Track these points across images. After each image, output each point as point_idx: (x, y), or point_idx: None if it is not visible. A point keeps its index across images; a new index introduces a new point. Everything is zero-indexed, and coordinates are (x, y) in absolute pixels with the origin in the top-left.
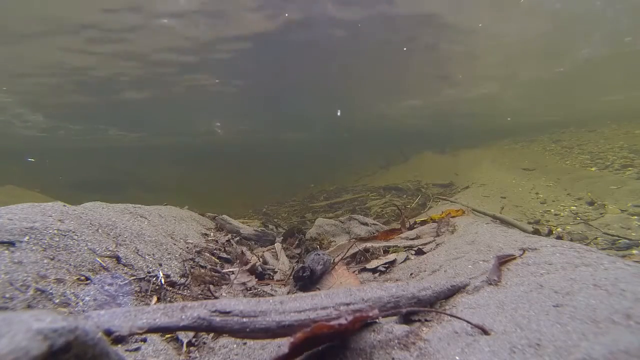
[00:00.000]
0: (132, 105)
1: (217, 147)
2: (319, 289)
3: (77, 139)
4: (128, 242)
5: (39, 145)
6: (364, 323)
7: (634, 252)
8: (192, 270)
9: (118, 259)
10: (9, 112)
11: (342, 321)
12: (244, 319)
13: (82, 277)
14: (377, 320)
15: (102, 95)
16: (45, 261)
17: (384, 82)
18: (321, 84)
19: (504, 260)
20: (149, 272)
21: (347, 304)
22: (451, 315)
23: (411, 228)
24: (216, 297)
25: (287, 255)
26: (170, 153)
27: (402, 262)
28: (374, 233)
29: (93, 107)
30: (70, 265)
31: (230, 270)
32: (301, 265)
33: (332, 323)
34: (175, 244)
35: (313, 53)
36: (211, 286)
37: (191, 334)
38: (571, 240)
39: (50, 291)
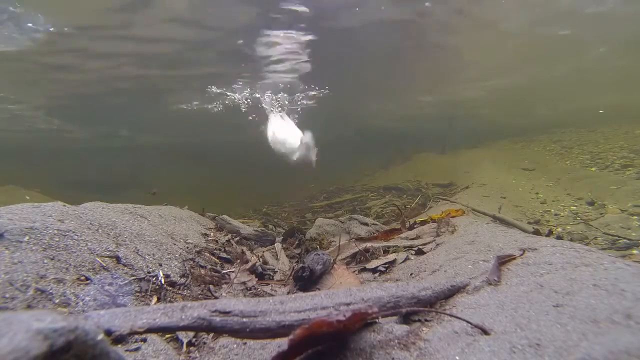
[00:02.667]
0: (135, 106)
1: (217, 147)
2: (319, 289)
3: (78, 139)
4: (128, 242)
5: (39, 145)
6: (363, 322)
7: (634, 252)
8: (192, 270)
9: (118, 259)
10: (25, 115)
11: (341, 317)
12: (244, 319)
13: (82, 277)
14: (377, 320)
15: (108, 97)
16: (45, 261)
17: (384, 82)
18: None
19: (504, 260)
20: (149, 272)
21: (347, 304)
22: (451, 315)
23: (411, 228)
24: (216, 297)
25: (287, 255)
26: (170, 153)
27: (402, 262)
28: (374, 233)
29: (99, 109)
30: (70, 265)
31: (231, 270)
32: (301, 265)
33: (330, 319)
34: (175, 244)
35: (315, 53)
36: (211, 286)
37: (191, 334)
38: (571, 240)
39: (50, 291)
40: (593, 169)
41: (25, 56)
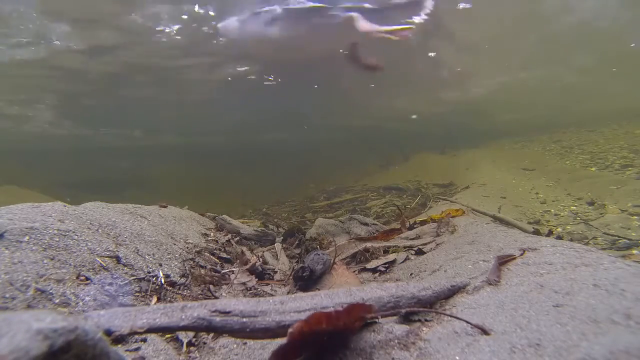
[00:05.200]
0: (134, 104)
1: (217, 147)
2: (319, 289)
3: (78, 138)
4: (128, 242)
5: (40, 145)
6: (363, 321)
7: (634, 252)
8: (192, 270)
9: (118, 259)
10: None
11: (339, 309)
12: (244, 319)
13: (82, 277)
14: (377, 320)
15: (108, 95)
16: (45, 261)
17: (386, 81)
18: (322, 82)
19: (504, 260)
20: (149, 272)
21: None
22: (451, 316)
23: (411, 228)
24: (216, 297)
25: (287, 255)
26: (170, 153)
27: (402, 262)
28: (374, 233)
29: (99, 107)
30: (70, 265)
31: (231, 270)
32: (301, 265)
33: (329, 312)
34: (175, 244)
35: (315, 51)
36: (211, 286)
37: (191, 334)
38: (571, 240)
39: (50, 291)
40: (593, 169)
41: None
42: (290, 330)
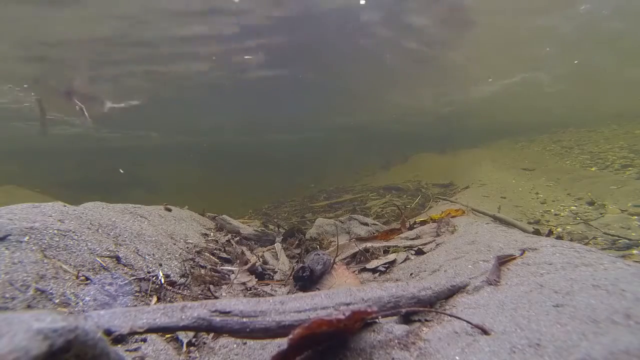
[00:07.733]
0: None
1: (217, 147)
2: (319, 289)
3: (80, 138)
4: (128, 242)
5: (39, 145)
6: (363, 322)
7: (634, 252)
8: (192, 270)
9: (118, 259)
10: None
11: (340, 316)
12: (244, 319)
13: (82, 277)
14: (377, 320)
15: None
16: (45, 261)
17: (386, 81)
18: (322, 81)
19: (504, 261)
20: (149, 272)
21: (347, 304)
22: (451, 315)
23: (411, 228)
24: (216, 297)
25: (287, 255)
26: (170, 153)
27: (402, 262)
28: (374, 233)
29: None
30: (70, 265)
31: (231, 270)
32: (301, 265)
33: (330, 318)
34: (175, 244)
35: (316, 51)
36: (211, 286)
37: (191, 334)
38: (571, 240)
39: (50, 291)
40: (593, 169)
41: None
42: (290, 336)
